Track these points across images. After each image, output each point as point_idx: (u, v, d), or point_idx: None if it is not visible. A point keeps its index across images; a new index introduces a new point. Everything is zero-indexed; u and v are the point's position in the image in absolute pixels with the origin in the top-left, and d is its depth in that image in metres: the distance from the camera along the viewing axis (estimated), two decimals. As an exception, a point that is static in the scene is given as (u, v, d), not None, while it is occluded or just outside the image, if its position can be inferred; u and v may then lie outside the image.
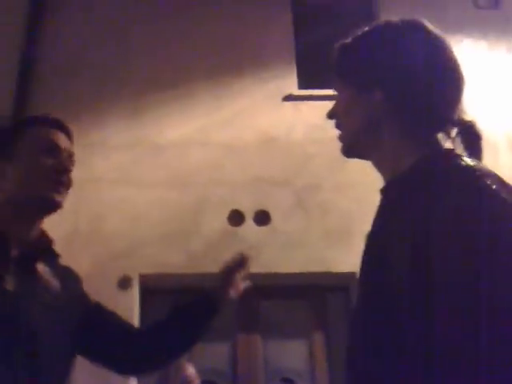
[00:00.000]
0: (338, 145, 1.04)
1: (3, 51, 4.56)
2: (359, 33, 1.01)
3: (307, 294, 4.18)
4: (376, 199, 0.98)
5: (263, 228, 4.18)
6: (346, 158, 1.07)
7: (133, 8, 4.81)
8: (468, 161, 0.86)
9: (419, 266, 0.78)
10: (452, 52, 0.96)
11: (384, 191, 0.97)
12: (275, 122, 4.52)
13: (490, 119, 4.15)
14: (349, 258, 3.58)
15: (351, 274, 3.36)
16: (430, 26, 0.97)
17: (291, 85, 4.69)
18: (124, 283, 3.93)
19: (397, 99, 0.94)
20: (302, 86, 4.72)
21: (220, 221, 4.15)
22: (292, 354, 4.10)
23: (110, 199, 4.15)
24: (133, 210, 4.15)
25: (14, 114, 4.30)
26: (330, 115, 1.04)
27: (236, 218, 4.19)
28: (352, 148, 1.02)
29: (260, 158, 4.39)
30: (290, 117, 4.57)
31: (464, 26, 4.74)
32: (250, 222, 4.19)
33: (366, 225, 0.97)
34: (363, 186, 3.13)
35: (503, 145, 4.48)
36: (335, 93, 1.05)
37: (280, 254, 4.05)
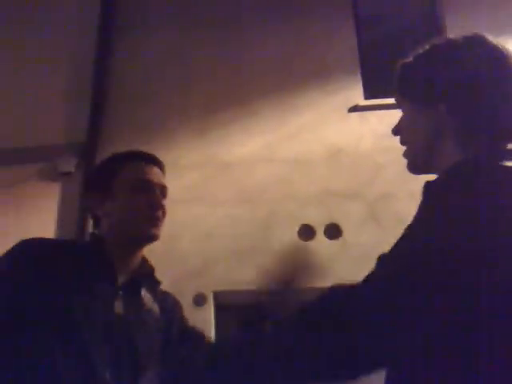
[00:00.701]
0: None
1: (76, 81, 4.82)
2: (420, 51, 1.03)
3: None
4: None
5: (335, 242, 4.12)
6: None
7: (194, 30, 4.95)
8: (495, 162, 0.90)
9: (429, 262, 0.83)
10: None
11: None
12: (342, 133, 4.47)
13: None
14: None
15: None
16: (491, 39, 0.98)
17: (357, 95, 4.63)
18: (199, 301, 3.99)
19: (460, 111, 0.96)
20: (367, 96, 4.65)
21: (290, 236, 4.13)
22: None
23: (183, 218, 4.24)
24: (205, 228, 4.22)
25: (88, 140, 4.52)
26: (396, 132, 1.07)
27: (306, 232, 4.16)
28: (418, 163, 1.05)
29: (328, 170, 4.35)
30: (357, 128, 4.51)
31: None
32: (320, 236, 4.14)
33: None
34: (437, 194, 3.01)
35: None
36: (399, 110, 1.07)
37: (353, 267, 3.95)
